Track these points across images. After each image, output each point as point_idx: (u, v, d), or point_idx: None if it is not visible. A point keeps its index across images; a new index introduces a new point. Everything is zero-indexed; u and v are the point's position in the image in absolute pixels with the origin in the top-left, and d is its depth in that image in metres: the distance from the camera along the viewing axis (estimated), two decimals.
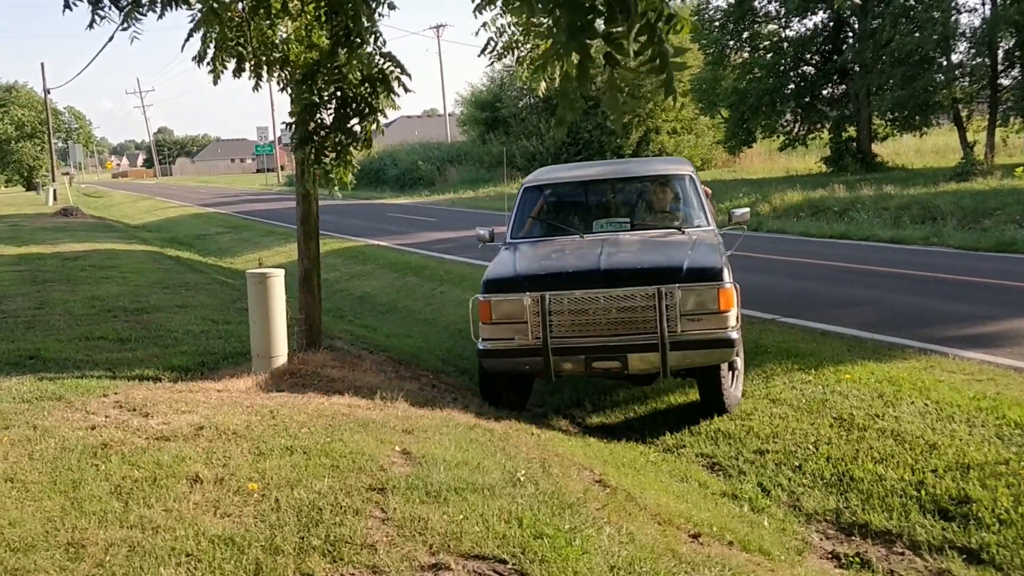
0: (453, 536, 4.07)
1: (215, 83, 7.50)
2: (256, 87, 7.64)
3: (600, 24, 3.16)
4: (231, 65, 7.36)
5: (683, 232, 7.93)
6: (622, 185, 8.93)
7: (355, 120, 7.84)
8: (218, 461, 4.94)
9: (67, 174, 60.32)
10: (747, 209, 8.80)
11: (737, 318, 6.91)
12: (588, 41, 3.09)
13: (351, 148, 7.89)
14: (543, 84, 8.40)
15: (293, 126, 7.79)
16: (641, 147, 39.30)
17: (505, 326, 7.05)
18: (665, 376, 7.09)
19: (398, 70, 7.68)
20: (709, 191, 9.19)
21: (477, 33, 8.56)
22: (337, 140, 7.82)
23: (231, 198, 48.32)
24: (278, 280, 7.69)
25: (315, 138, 7.76)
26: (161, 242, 24.03)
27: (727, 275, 6.92)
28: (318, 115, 7.73)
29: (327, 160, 7.81)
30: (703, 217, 8.21)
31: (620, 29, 3.06)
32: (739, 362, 7.49)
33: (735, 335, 6.83)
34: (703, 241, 7.62)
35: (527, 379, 7.86)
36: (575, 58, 3.11)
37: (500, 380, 7.61)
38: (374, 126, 7.88)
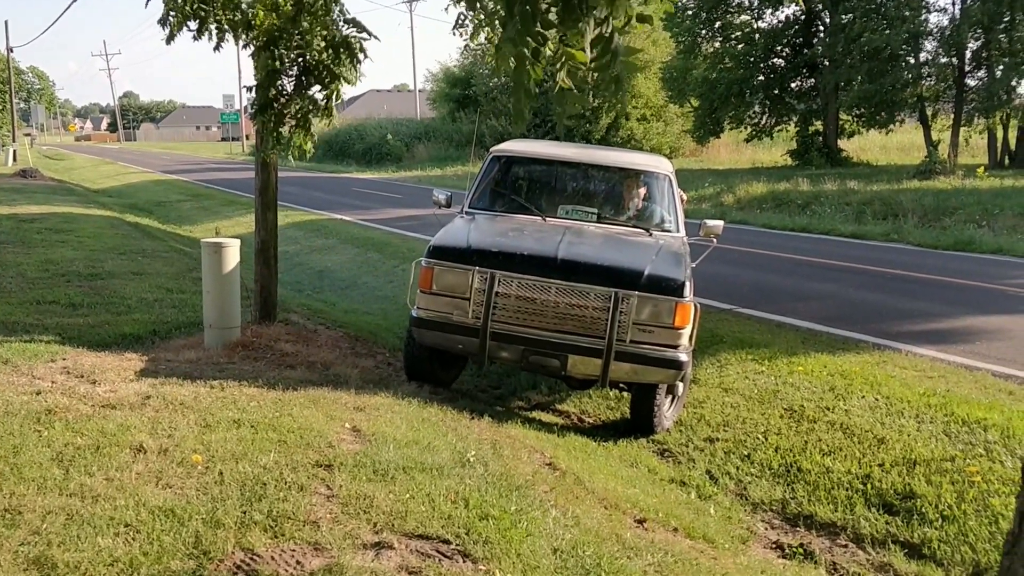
0: (398, 515, 4.05)
1: (168, 43, 7.28)
2: (217, 47, 7.46)
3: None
4: (193, 26, 7.21)
5: (651, 234, 7.53)
6: (596, 172, 8.46)
7: (316, 88, 7.72)
8: (163, 431, 4.88)
9: (28, 135, 59.32)
10: (720, 222, 8.37)
11: (691, 338, 6.52)
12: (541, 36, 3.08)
13: (311, 116, 7.77)
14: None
15: (255, 91, 7.68)
16: (610, 132, 39.26)
17: (445, 299, 6.60)
18: (603, 386, 6.69)
19: (363, 35, 7.56)
20: (685, 197, 8.83)
21: (447, 9, 8.49)
22: (298, 108, 7.70)
23: (194, 166, 47.71)
24: (233, 250, 7.58)
25: (275, 105, 7.65)
26: (121, 207, 23.66)
27: (688, 290, 6.44)
28: (279, 82, 7.61)
29: (286, 128, 7.70)
30: (674, 222, 7.79)
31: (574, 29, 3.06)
32: (681, 388, 7.10)
33: (684, 357, 6.40)
34: (669, 248, 7.17)
35: (459, 358, 7.38)
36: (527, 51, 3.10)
37: (429, 354, 7.13)
38: (334, 95, 7.76)
